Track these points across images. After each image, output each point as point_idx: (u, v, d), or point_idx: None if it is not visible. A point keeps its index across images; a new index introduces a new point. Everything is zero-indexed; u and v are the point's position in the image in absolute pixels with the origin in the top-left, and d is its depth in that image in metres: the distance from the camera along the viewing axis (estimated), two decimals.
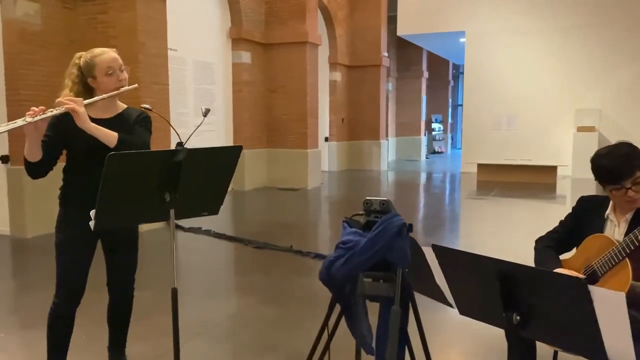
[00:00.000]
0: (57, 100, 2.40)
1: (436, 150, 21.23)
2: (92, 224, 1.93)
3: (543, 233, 2.45)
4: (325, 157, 13.44)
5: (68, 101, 2.19)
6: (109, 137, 2.24)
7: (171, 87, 7.29)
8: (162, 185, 1.92)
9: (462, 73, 24.56)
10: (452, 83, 22.36)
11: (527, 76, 13.14)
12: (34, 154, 2.26)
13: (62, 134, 2.32)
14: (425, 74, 18.61)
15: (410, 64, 18.18)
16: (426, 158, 18.85)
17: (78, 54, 2.48)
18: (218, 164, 2.02)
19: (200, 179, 1.99)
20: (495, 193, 10.19)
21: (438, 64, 20.20)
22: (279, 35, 10.49)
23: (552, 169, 11.64)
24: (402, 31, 14.67)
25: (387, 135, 15.52)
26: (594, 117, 12.59)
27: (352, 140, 14.69)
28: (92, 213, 1.92)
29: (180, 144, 1.86)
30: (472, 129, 13.86)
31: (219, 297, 4.28)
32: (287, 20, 10.48)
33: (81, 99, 2.26)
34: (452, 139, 23.35)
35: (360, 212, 1.29)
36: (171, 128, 2.33)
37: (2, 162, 6.18)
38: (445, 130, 22.03)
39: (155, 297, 3.80)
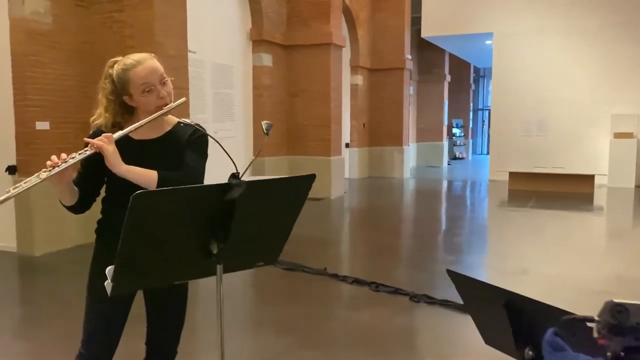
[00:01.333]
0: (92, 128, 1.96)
1: (457, 156, 20.56)
2: (108, 286, 1.38)
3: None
4: (346, 164, 12.87)
5: (95, 140, 1.75)
6: (147, 179, 1.77)
7: (189, 91, 6.77)
8: (206, 232, 1.36)
9: (483, 76, 23.92)
10: (472, 87, 21.69)
11: (560, 79, 12.45)
12: (67, 198, 1.86)
13: (95, 167, 1.86)
14: (448, 78, 17.97)
15: (432, 67, 17.55)
16: (448, 164, 18.20)
17: (111, 61, 1.94)
18: (283, 200, 1.46)
19: (258, 220, 1.43)
20: (533, 204, 9.54)
21: (459, 67, 19.54)
22: (301, 37, 9.94)
23: (589, 178, 10.94)
24: (426, 33, 14.06)
25: (409, 141, 14.90)
26: (632, 123, 11.88)
27: (373, 147, 14.10)
28: (109, 270, 1.36)
29: (235, 175, 1.30)
30: (500, 134, 13.20)
31: (249, 335, 3.72)
32: (310, 21, 9.93)
33: (111, 134, 1.78)
34: (472, 145, 22.66)
35: (589, 316, 0.73)
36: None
37: (9, 173, 5.67)
38: (466, 135, 21.36)
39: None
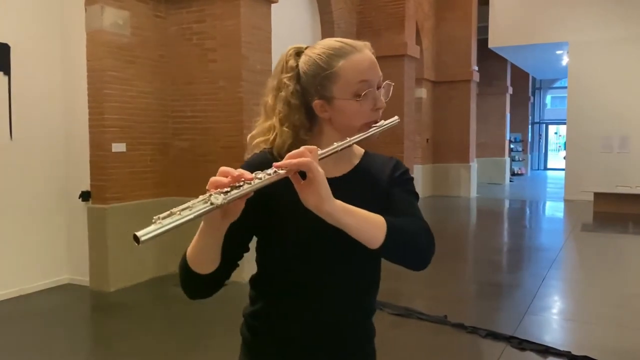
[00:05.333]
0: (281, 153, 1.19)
1: (516, 172, 19.53)
2: None
3: None
4: None
5: (299, 159, 0.99)
6: (374, 226, 1.06)
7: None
8: None
9: (539, 88, 22.85)
10: (531, 99, 20.68)
11: None
12: (207, 260, 1.08)
13: (251, 218, 1.11)
14: (510, 90, 17.05)
15: (493, 79, 16.64)
16: (510, 181, 17.21)
17: (292, 49, 1.23)
18: None
19: None
20: (634, 229, 8.59)
21: (518, 79, 18.60)
22: (372, 48, 9.29)
23: None
24: (494, 43, 13.28)
25: (474, 158, 14.05)
26: None
27: (437, 163, 13.33)
28: None
29: None
30: (577, 151, 12.24)
31: None
32: (382, 31, 9.30)
33: (316, 148, 1.03)
34: (531, 160, 21.58)
35: None
36: None
37: (82, 200, 5.19)
38: (524, 150, 20.32)
39: None
